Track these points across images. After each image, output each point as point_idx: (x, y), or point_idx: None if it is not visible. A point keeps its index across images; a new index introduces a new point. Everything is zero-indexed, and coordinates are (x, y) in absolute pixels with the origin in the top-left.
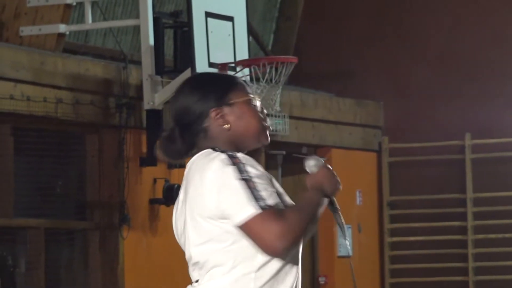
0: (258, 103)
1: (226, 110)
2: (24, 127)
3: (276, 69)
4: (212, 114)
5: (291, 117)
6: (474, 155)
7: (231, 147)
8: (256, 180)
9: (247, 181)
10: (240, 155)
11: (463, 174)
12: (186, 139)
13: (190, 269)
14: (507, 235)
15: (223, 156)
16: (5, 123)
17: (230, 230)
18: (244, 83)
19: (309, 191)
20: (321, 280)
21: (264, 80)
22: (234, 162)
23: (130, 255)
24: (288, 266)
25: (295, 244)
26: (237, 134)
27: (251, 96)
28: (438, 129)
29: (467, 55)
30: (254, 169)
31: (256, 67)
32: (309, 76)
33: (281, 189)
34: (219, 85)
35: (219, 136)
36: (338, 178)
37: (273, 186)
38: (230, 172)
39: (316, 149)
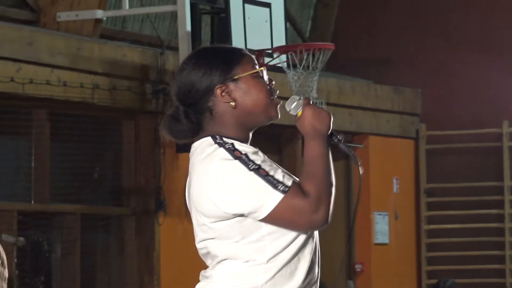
0: (266, 76)
1: (231, 86)
2: (61, 112)
3: (314, 56)
4: (217, 91)
5: (328, 104)
6: (511, 143)
7: (238, 126)
8: (264, 166)
9: (258, 170)
10: (238, 146)
11: (500, 161)
12: (191, 118)
13: (200, 255)
14: None
15: (222, 151)
16: (41, 108)
17: (237, 227)
18: (249, 55)
19: (307, 143)
20: (357, 267)
21: (301, 66)
22: (236, 155)
23: (166, 241)
24: (300, 256)
25: (331, 206)
26: (244, 111)
27: (258, 68)
28: (476, 116)
29: (506, 42)
30: (256, 155)
31: (293, 54)
32: (346, 63)
33: (284, 169)
34: (223, 60)
35: (225, 114)
36: (323, 110)
37: (278, 166)
38: (236, 167)
39: (353, 136)
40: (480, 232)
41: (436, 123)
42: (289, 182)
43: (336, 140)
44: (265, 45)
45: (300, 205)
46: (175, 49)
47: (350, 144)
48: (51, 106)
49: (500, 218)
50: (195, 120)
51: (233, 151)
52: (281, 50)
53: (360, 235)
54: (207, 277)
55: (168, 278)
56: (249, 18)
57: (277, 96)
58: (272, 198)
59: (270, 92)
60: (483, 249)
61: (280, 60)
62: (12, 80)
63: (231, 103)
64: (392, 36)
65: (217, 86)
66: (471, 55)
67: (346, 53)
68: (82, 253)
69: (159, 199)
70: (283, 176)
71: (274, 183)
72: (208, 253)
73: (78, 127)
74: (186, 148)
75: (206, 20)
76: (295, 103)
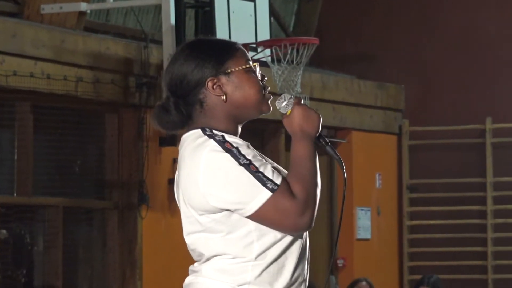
0: (258, 71)
1: (223, 79)
2: (44, 105)
3: (298, 51)
4: (209, 84)
5: (311, 99)
6: (494, 139)
7: (228, 119)
8: (255, 162)
9: (248, 166)
10: (229, 138)
11: (483, 158)
12: (182, 110)
13: (188, 249)
14: None
15: (212, 143)
16: (25, 101)
17: (224, 221)
18: (243, 49)
19: (295, 143)
20: (340, 262)
21: (285, 61)
22: (227, 147)
23: (148, 235)
24: (287, 253)
25: (315, 210)
26: (235, 105)
27: (251, 63)
28: (459, 112)
29: (490, 38)
30: (247, 149)
31: (278, 48)
32: (330, 58)
33: (274, 163)
34: (216, 52)
35: (215, 107)
36: (314, 112)
37: (267, 161)
38: (226, 160)
39: (336, 131)
40: (463, 228)
41: (419, 119)
42: (278, 180)
43: (323, 143)
44: (250, 39)
45: (287, 207)
46: (159, 42)
47: (334, 139)
48: (35, 99)
49: (483, 214)
50: (185, 112)
51: (223, 143)
52: (265, 44)
53: (343, 231)
54: (195, 272)
55: (150, 272)
56: (233, 12)
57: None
58: (260, 196)
59: (262, 87)
60: (465, 245)
61: (264, 54)
62: None
63: (222, 96)
64: (376, 31)
65: (209, 79)
66: (455, 51)
67: (329, 48)
68: (65, 246)
69: (142, 193)
70: (273, 173)
71: (263, 180)
72: (195, 248)
73: (62, 119)
74: (169, 142)
75: (190, 14)
76: (285, 102)
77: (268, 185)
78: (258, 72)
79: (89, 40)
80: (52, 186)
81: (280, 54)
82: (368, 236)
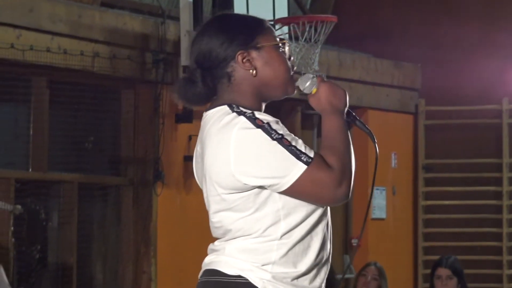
0: (287, 49)
1: (253, 54)
2: (60, 80)
3: (315, 29)
4: (239, 57)
5: (328, 77)
6: (511, 120)
7: (254, 96)
8: (287, 136)
9: (281, 140)
10: (258, 114)
11: (499, 138)
12: (208, 82)
13: (212, 227)
14: None
15: (243, 119)
16: (41, 75)
17: (253, 199)
18: (271, 27)
19: (325, 118)
20: (354, 242)
21: (303, 39)
22: (258, 124)
23: (163, 212)
24: (313, 233)
25: (352, 181)
26: (263, 81)
27: (280, 40)
28: (476, 92)
29: (508, 18)
30: (278, 125)
31: (296, 26)
32: (347, 36)
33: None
34: (247, 27)
35: (243, 82)
36: (340, 87)
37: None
38: (259, 136)
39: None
40: (478, 209)
41: (436, 98)
42: (311, 154)
43: (352, 118)
44: (267, 16)
45: (323, 178)
46: (176, 18)
47: (367, 127)
48: (51, 74)
49: (498, 195)
50: (211, 85)
51: (254, 120)
52: (283, 21)
53: (357, 210)
54: (217, 250)
55: (165, 249)
56: None
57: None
58: (296, 169)
59: (291, 67)
60: (480, 226)
61: (282, 31)
62: (12, 46)
63: (251, 70)
64: (393, 10)
65: (239, 52)
66: (472, 30)
67: (346, 27)
68: (79, 223)
69: (157, 170)
70: (305, 147)
71: (297, 153)
72: (221, 226)
73: (78, 95)
74: (185, 119)
75: None
76: (309, 81)
77: (303, 158)
78: (287, 50)
79: (106, 15)
80: (67, 162)
81: (298, 32)
82: (384, 215)
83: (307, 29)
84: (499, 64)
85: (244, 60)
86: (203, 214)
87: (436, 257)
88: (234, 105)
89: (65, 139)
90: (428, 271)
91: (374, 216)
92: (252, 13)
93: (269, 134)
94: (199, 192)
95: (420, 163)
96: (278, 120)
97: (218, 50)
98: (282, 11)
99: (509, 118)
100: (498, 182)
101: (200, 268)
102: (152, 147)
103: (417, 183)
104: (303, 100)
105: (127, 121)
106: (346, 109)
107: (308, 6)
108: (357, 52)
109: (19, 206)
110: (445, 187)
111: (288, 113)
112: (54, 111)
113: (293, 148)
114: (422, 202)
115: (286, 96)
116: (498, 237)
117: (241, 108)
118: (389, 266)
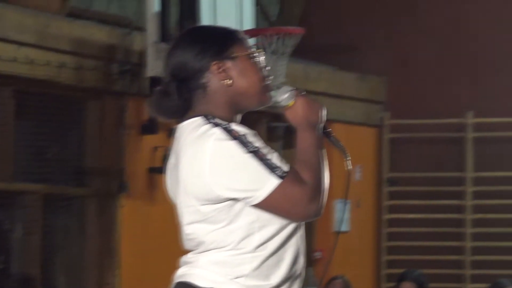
0: (262, 59)
1: (228, 64)
2: (26, 90)
3: (282, 41)
4: (213, 67)
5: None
6: (475, 134)
7: (229, 107)
8: (262, 149)
9: (256, 153)
10: (235, 126)
11: (463, 152)
12: (183, 94)
13: (185, 238)
14: (504, 216)
15: (218, 131)
16: (7, 85)
17: (227, 211)
18: (245, 37)
19: (301, 133)
20: (317, 254)
21: (270, 51)
22: (233, 135)
23: (127, 223)
24: (286, 246)
25: (325, 198)
26: (238, 91)
27: (254, 50)
28: (440, 106)
29: (474, 31)
30: (254, 137)
31: (262, 38)
32: (312, 49)
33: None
34: (220, 38)
35: (218, 92)
36: (316, 102)
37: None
38: (233, 148)
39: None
40: (441, 223)
41: (400, 111)
42: (286, 168)
43: (326, 134)
44: (234, 28)
45: (296, 193)
46: (143, 29)
47: (340, 143)
48: (17, 84)
49: (461, 209)
50: (186, 97)
51: (230, 131)
52: (250, 33)
53: (320, 223)
54: (190, 262)
55: (128, 261)
56: None
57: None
58: (269, 183)
59: (266, 76)
60: (443, 240)
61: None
62: None
63: (226, 80)
64: (359, 23)
65: (214, 62)
66: (438, 44)
67: (312, 39)
68: (44, 234)
69: (121, 181)
70: (281, 161)
71: (272, 167)
72: (195, 238)
73: (44, 105)
74: (150, 130)
75: (174, 1)
76: (287, 94)
77: (277, 172)
78: (262, 60)
79: (73, 26)
80: (32, 172)
81: (264, 44)
82: (346, 228)
83: (274, 41)
84: (464, 78)
85: (219, 71)
86: (167, 226)
87: (398, 271)
88: (209, 116)
89: (30, 150)
90: (391, 284)
91: (336, 229)
92: (219, 24)
93: (245, 146)
94: (163, 204)
95: (384, 176)
96: (255, 132)
97: (193, 61)
98: (249, 23)
99: (473, 132)
100: (462, 196)
101: (164, 279)
102: (117, 158)
103: (380, 196)
104: (268, 113)
105: (92, 132)
106: (321, 125)
107: (274, 18)
108: (322, 64)
109: None
110: (408, 201)
111: (253, 125)
112: (20, 122)
113: (268, 161)
114: (385, 216)
115: (261, 107)
116: (461, 251)
117: (216, 120)
118: (352, 279)
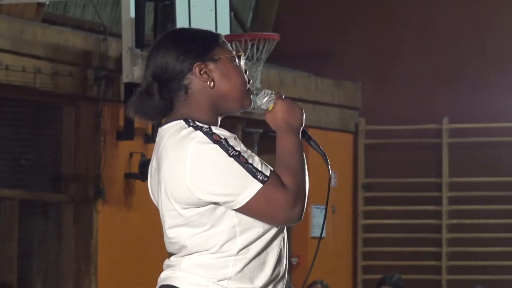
0: (242, 63)
1: (210, 66)
2: (2, 96)
3: (257, 47)
4: (196, 69)
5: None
6: (451, 140)
7: (210, 109)
8: (243, 153)
9: (237, 157)
10: (216, 129)
11: (439, 158)
12: (165, 95)
13: (167, 242)
14: (481, 221)
15: (200, 134)
16: None
17: (208, 215)
18: (226, 41)
19: (281, 137)
20: (294, 260)
21: (245, 57)
22: (215, 139)
23: (104, 229)
24: (269, 249)
25: (305, 203)
26: (220, 93)
27: (236, 54)
28: (416, 112)
29: (448, 39)
30: (235, 141)
31: (238, 44)
32: (287, 55)
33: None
34: (203, 40)
35: (200, 94)
36: (296, 105)
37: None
38: (215, 151)
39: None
40: (417, 229)
41: (376, 117)
42: (267, 172)
43: (307, 138)
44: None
45: (278, 198)
46: (118, 35)
47: (320, 147)
48: None
49: (438, 214)
50: (168, 98)
51: (211, 135)
52: (226, 39)
53: (297, 228)
54: (172, 266)
55: (105, 267)
56: (194, 6)
57: None
58: (251, 187)
59: (247, 80)
60: (420, 246)
61: None
62: None
63: (208, 82)
64: (333, 28)
65: (197, 64)
66: (413, 49)
67: (287, 45)
68: (20, 239)
69: (98, 187)
70: (262, 165)
71: (253, 171)
72: (177, 242)
73: (19, 111)
74: (126, 136)
75: (149, 7)
76: (267, 97)
77: (259, 176)
78: (242, 64)
79: (48, 32)
80: (8, 178)
81: (240, 49)
82: (323, 234)
83: (249, 47)
84: (440, 84)
85: (201, 72)
86: (144, 231)
87: (375, 276)
88: (190, 120)
89: (6, 156)
90: None
91: (313, 235)
92: None
93: (226, 150)
94: (140, 209)
95: (359, 182)
96: (235, 135)
97: (175, 62)
98: (225, 29)
99: (448, 138)
100: (438, 201)
101: (141, 284)
102: (93, 164)
103: (356, 202)
104: (244, 118)
105: (68, 138)
106: (301, 128)
107: (249, 24)
108: (297, 70)
109: None
110: (384, 206)
111: (229, 131)
112: None
113: (249, 165)
114: (361, 221)
115: (242, 110)
116: (437, 256)
117: (197, 123)
118: (329, 285)
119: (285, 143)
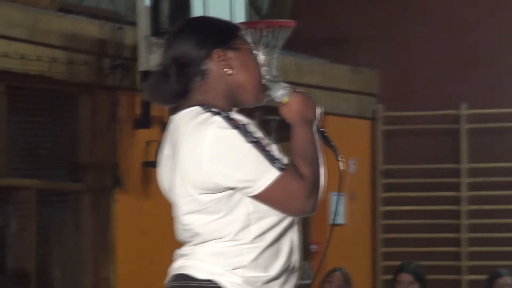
0: (261, 57)
1: (230, 54)
2: (18, 85)
3: (273, 34)
4: (215, 55)
5: (286, 82)
6: (469, 125)
7: (226, 97)
8: (262, 140)
9: (256, 144)
10: (235, 115)
11: (458, 144)
12: (182, 79)
13: (180, 229)
14: (500, 207)
15: (219, 119)
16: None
17: (225, 201)
18: (246, 33)
19: (296, 129)
20: (313, 248)
21: (261, 44)
22: (234, 124)
23: (122, 218)
24: (283, 239)
25: (321, 193)
26: (237, 83)
27: (254, 46)
28: (434, 98)
29: (467, 23)
30: (253, 127)
31: (253, 31)
32: (304, 42)
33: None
34: (224, 29)
35: (217, 81)
36: (311, 98)
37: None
38: (234, 137)
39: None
40: (436, 215)
41: (394, 103)
42: (285, 161)
43: (319, 132)
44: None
45: (295, 187)
46: (133, 24)
47: (333, 143)
48: (9, 79)
49: (456, 200)
50: (184, 82)
51: (230, 120)
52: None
53: (316, 216)
54: (186, 255)
55: (123, 256)
56: None
57: None
58: (269, 174)
59: (263, 74)
60: (439, 232)
61: None
62: None
63: (227, 69)
64: (350, 15)
65: (216, 50)
66: (431, 36)
67: (304, 32)
68: (38, 229)
69: (115, 176)
70: (280, 153)
71: (272, 159)
72: (191, 229)
73: (36, 100)
74: (143, 124)
75: None
76: (282, 90)
77: (276, 164)
78: (261, 58)
79: (63, 21)
80: (25, 168)
81: (255, 37)
82: (342, 221)
83: (265, 34)
84: (458, 69)
85: (220, 59)
86: (162, 220)
87: (395, 263)
88: (206, 106)
89: (23, 145)
90: (387, 277)
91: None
92: None
93: (245, 136)
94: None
95: (378, 168)
96: (254, 122)
97: (195, 47)
98: (240, 16)
99: (467, 124)
100: (457, 187)
101: (160, 273)
102: (110, 153)
103: (375, 188)
104: (262, 106)
105: (84, 127)
106: (316, 119)
107: (265, 11)
108: (314, 57)
109: None
110: (403, 193)
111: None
112: (12, 117)
113: (267, 153)
114: (380, 208)
115: (256, 104)
116: (457, 242)
117: (213, 109)
118: (349, 272)
119: (301, 135)
